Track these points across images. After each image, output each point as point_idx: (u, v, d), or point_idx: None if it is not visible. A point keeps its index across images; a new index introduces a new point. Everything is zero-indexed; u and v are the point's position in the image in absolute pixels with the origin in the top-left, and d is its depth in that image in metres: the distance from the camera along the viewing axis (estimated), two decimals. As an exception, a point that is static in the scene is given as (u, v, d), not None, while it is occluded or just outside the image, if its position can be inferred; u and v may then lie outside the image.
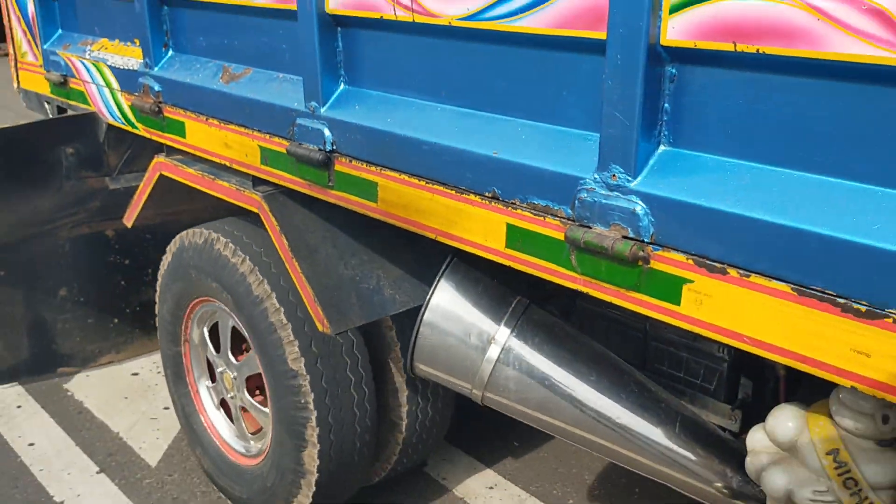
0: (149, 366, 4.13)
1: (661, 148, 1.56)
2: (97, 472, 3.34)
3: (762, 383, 2.08)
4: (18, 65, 3.80)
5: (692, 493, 2.04)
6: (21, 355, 3.98)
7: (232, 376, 2.99)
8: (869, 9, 1.20)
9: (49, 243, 3.80)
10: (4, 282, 3.80)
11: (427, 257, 2.44)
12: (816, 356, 1.37)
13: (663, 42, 1.46)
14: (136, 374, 4.06)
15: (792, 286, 1.37)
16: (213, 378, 3.16)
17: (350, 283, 2.48)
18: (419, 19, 1.87)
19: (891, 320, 1.26)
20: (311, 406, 2.56)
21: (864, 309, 1.29)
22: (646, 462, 2.02)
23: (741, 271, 1.43)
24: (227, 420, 3.16)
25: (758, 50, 1.34)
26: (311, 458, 2.62)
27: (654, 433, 1.99)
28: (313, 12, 2.10)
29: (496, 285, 2.21)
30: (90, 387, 3.96)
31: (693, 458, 1.97)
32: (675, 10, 1.42)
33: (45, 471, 3.35)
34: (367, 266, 2.53)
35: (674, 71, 1.50)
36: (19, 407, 3.80)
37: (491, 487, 3.23)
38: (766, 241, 1.38)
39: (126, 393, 3.91)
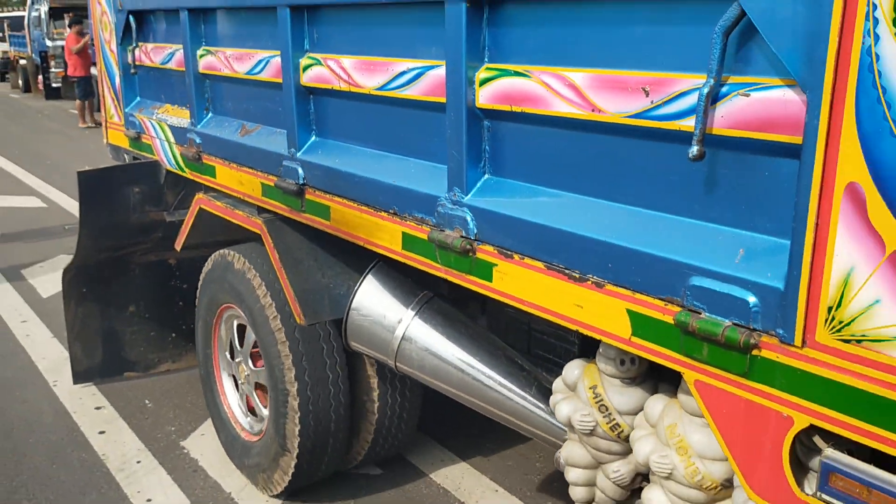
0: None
1: (486, 176, 2.28)
2: (209, 533, 3.51)
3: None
4: (108, 124, 4.78)
5: (549, 444, 2.67)
6: (95, 359, 4.82)
7: (244, 365, 3.78)
8: (569, 83, 1.92)
9: (122, 267, 4.65)
10: (86, 298, 4.67)
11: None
12: (558, 310, 2.05)
13: (478, 105, 2.19)
14: (248, 435, 4.04)
15: (544, 263, 2.06)
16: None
17: (324, 289, 3.23)
18: (353, 89, 2.66)
19: (590, 282, 1.94)
20: (293, 379, 3.29)
21: (577, 275, 1.97)
22: (513, 420, 2.67)
23: (519, 255, 2.13)
24: (241, 403, 3.93)
25: (521, 110, 2.06)
26: (293, 423, 3.34)
27: (517, 396, 2.65)
28: (292, 84, 2.92)
29: (409, 282, 2.93)
30: (205, 445, 4.15)
31: (545, 415, 2.61)
32: (482, 84, 2.16)
33: (159, 528, 3.56)
34: (340, 277, 3.28)
35: (488, 124, 2.23)
36: (139, 462, 4.02)
37: (463, 478, 3.87)
38: (530, 234, 2.08)
39: (239, 454, 3.96)
